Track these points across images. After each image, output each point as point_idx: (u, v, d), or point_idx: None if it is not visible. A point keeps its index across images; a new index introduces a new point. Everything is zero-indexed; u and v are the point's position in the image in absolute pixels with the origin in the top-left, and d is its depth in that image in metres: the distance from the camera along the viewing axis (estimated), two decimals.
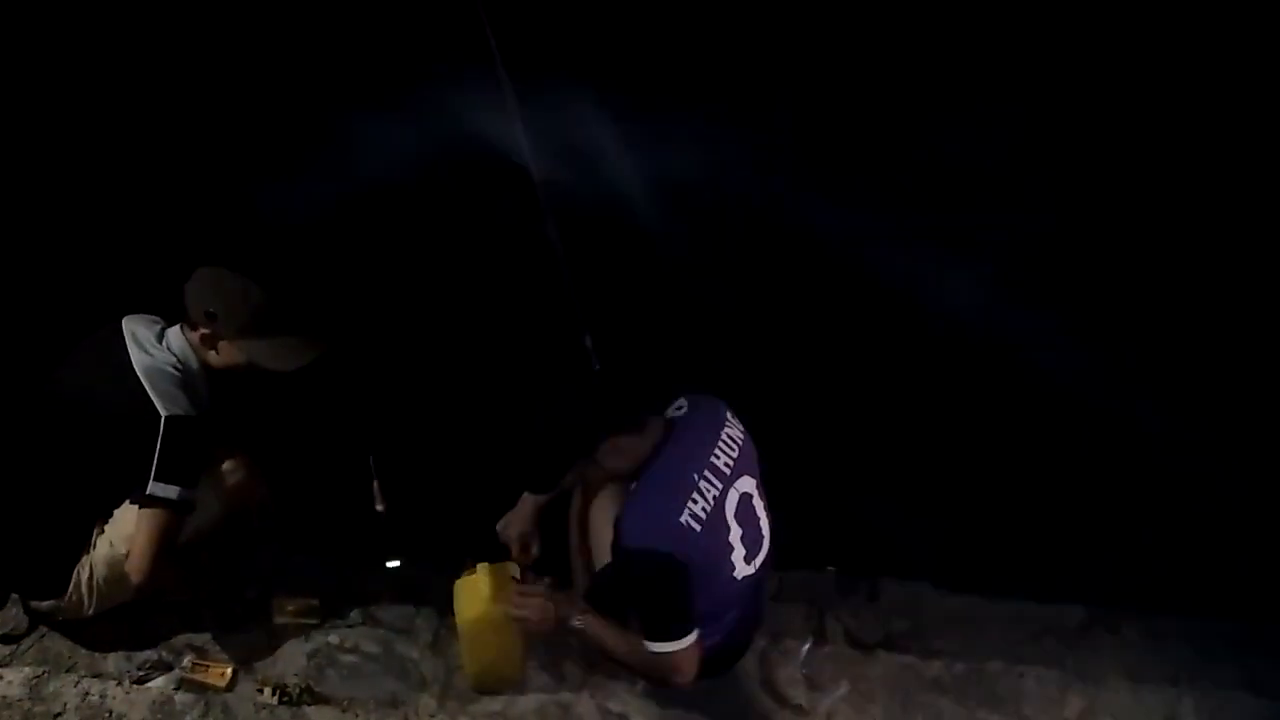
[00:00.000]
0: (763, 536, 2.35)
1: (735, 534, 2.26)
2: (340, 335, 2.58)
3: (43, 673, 2.00)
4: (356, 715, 2.10)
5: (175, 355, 2.32)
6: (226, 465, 2.46)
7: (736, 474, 2.27)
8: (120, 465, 2.22)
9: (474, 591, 2.40)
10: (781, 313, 3.79)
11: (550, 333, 3.39)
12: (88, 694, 1.96)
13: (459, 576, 2.45)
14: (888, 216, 3.78)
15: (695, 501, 2.18)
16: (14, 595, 2.38)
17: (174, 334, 2.36)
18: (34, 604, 2.33)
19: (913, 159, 3.86)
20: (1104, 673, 2.78)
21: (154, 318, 2.40)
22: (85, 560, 2.26)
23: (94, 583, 2.27)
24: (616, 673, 2.55)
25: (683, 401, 2.34)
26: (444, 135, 3.68)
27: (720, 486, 2.23)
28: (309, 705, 2.21)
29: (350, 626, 2.61)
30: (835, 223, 3.72)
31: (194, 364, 2.35)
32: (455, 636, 2.49)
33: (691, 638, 2.22)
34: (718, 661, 2.47)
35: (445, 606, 2.54)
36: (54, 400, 2.31)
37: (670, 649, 2.22)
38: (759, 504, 2.35)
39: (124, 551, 2.23)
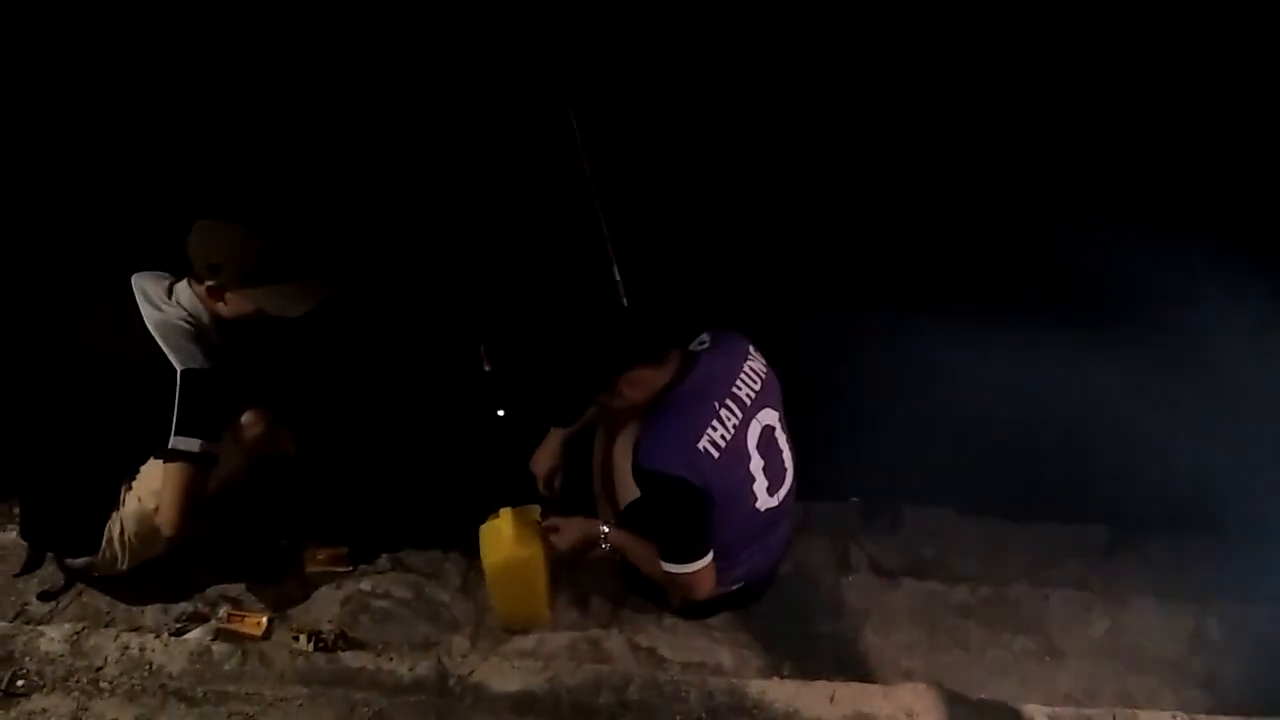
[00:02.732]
0: (785, 469, 2.36)
1: (756, 464, 2.27)
2: (348, 276, 2.58)
3: (82, 628, 2.04)
4: (391, 658, 2.13)
5: (185, 309, 2.31)
6: (246, 417, 2.46)
7: (758, 406, 2.28)
8: (142, 422, 2.23)
9: (500, 535, 2.43)
10: (800, 240, 3.76)
11: (577, 267, 3.37)
12: (127, 647, 2.01)
13: (484, 521, 2.48)
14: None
15: (715, 429, 2.19)
16: (50, 554, 2.43)
17: (182, 288, 2.35)
18: (69, 562, 2.37)
19: None
20: (1129, 592, 2.79)
21: (162, 274, 2.39)
22: (115, 517, 2.30)
23: (125, 538, 2.31)
24: (644, 607, 2.59)
25: (705, 336, 2.34)
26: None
27: (741, 417, 2.24)
28: (344, 650, 2.24)
29: (380, 573, 2.65)
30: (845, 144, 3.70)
31: (204, 317, 2.34)
32: (483, 579, 2.53)
33: (705, 560, 2.26)
34: (743, 592, 2.50)
35: (472, 550, 2.58)
36: (72, 360, 2.31)
37: (684, 570, 2.26)
38: (781, 436, 2.36)
39: (152, 507, 2.26)
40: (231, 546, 2.55)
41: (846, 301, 3.58)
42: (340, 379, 3.26)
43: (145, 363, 2.22)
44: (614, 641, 2.52)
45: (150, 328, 2.25)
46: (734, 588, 2.45)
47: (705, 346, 2.32)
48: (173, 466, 2.22)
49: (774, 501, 2.33)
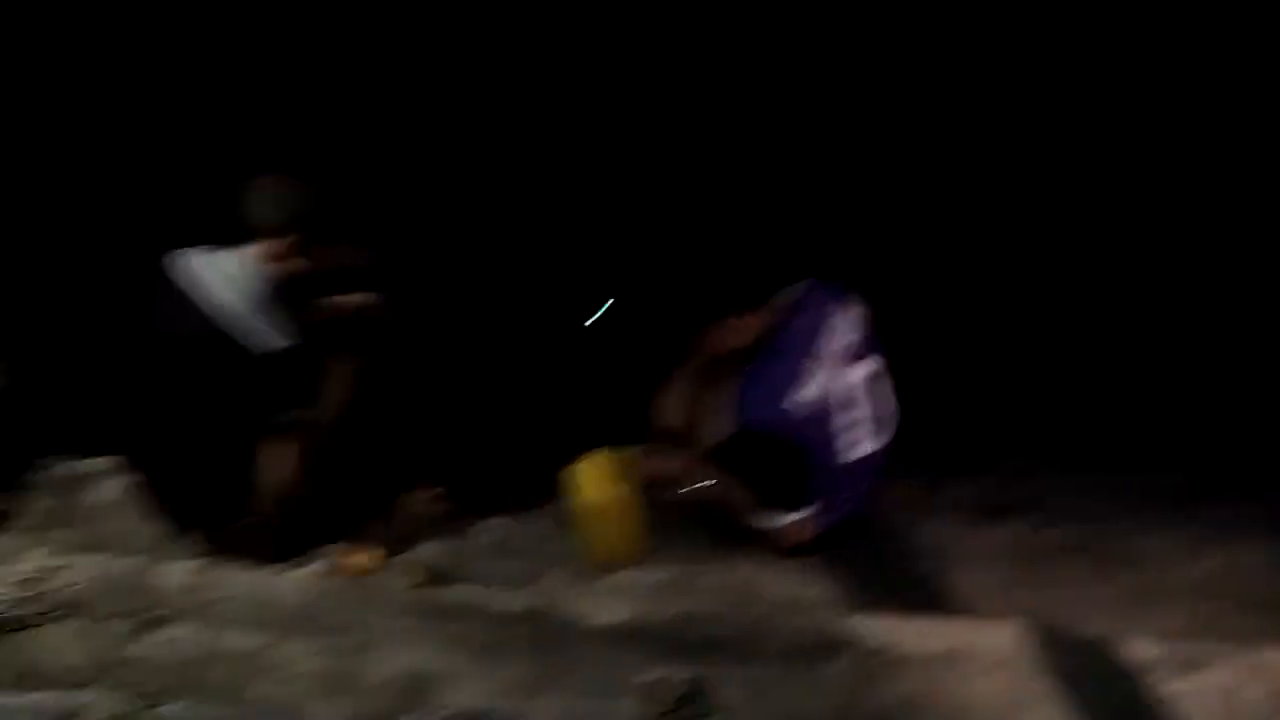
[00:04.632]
0: (882, 416, 2.35)
1: (856, 413, 2.27)
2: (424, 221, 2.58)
3: (207, 564, 2.17)
4: (493, 592, 2.21)
5: (258, 280, 2.29)
6: (331, 367, 2.52)
7: (858, 354, 2.27)
8: (247, 394, 2.29)
9: (591, 475, 2.50)
10: (905, 193, 3.71)
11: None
12: (251, 581, 2.12)
13: (576, 461, 2.54)
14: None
15: (814, 378, 2.19)
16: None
17: (245, 259, 2.31)
18: (212, 532, 2.47)
19: None
20: (1238, 531, 2.72)
21: (205, 247, 2.36)
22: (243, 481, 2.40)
23: (258, 501, 2.43)
24: (735, 545, 2.62)
25: (802, 285, 2.33)
26: None
27: (841, 365, 2.24)
28: (447, 585, 2.32)
29: (478, 512, 2.74)
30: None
31: (278, 281, 2.32)
32: (576, 518, 2.59)
33: (805, 513, 2.27)
34: (841, 532, 2.51)
35: (565, 490, 2.64)
36: (171, 357, 2.33)
37: (784, 521, 2.27)
38: (879, 384, 2.35)
39: (271, 473, 2.38)
40: (340, 489, 2.64)
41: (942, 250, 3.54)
42: (432, 321, 3.32)
43: (235, 343, 2.23)
44: (705, 579, 2.55)
45: (231, 308, 2.24)
46: (827, 529, 2.47)
47: (802, 295, 2.31)
48: (282, 438, 2.32)
49: (869, 448, 2.33)
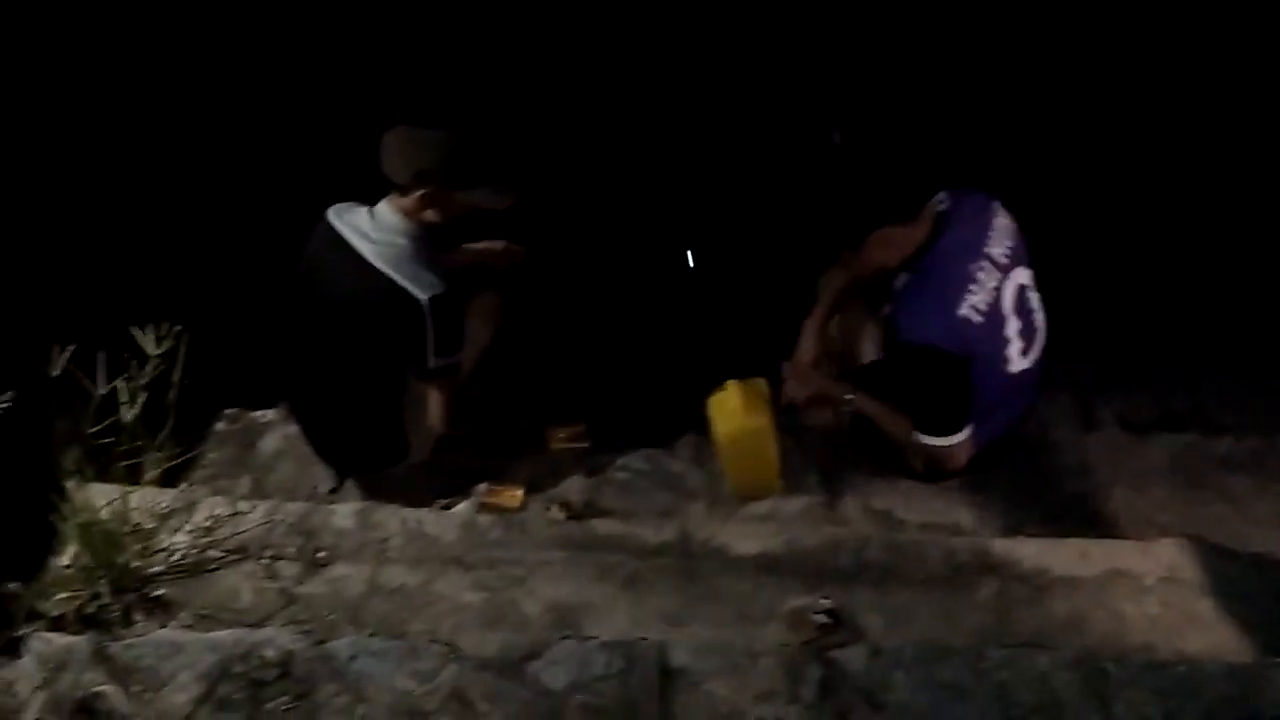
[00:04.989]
0: (1037, 329, 2.27)
1: (1012, 326, 2.20)
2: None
3: (367, 506, 2.29)
4: (637, 525, 2.26)
5: (399, 233, 2.32)
6: (477, 305, 2.58)
7: (1013, 264, 2.19)
8: (394, 346, 2.34)
9: (729, 406, 2.50)
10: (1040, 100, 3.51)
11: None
12: (405, 521, 2.23)
13: (713, 393, 2.54)
14: None
15: (974, 293, 2.12)
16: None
17: (385, 211, 2.34)
18: (370, 477, 2.60)
19: None
20: None
21: (348, 204, 2.40)
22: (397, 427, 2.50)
23: (417, 442, 2.53)
24: (877, 471, 2.60)
25: (944, 195, 2.24)
26: None
27: (998, 277, 2.16)
28: (594, 519, 2.39)
29: (618, 447, 2.78)
30: None
31: (418, 232, 2.34)
32: (715, 450, 2.61)
33: (965, 434, 2.22)
34: (990, 454, 2.45)
35: (703, 422, 2.66)
36: (322, 313, 2.39)
37: (942, 443, 2.23)
38: (1033, 295, 2.27)
39: (422, 417, 2.47)
40: (483, 430, 2.73)
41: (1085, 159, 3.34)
42: (569, 259, 3.36)
43: (384, 297, 2.26)
44: (848, 506, 2.55)
45: (378, 264, 2.27)
46: (980, 451, 2.41)
47: (947, 206, 2.22)
48: (435, 382, 2.40)
49: (1026, 363, 2.26)
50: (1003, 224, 2.21)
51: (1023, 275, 2.22)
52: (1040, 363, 2.32)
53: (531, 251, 2.84)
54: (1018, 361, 2.23)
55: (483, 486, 2.60)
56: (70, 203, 2.79)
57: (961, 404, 2.21)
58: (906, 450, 2.41)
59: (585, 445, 2.80)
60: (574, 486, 2.64)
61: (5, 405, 1.83)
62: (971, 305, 2.11)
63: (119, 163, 3.06)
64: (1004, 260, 2.17)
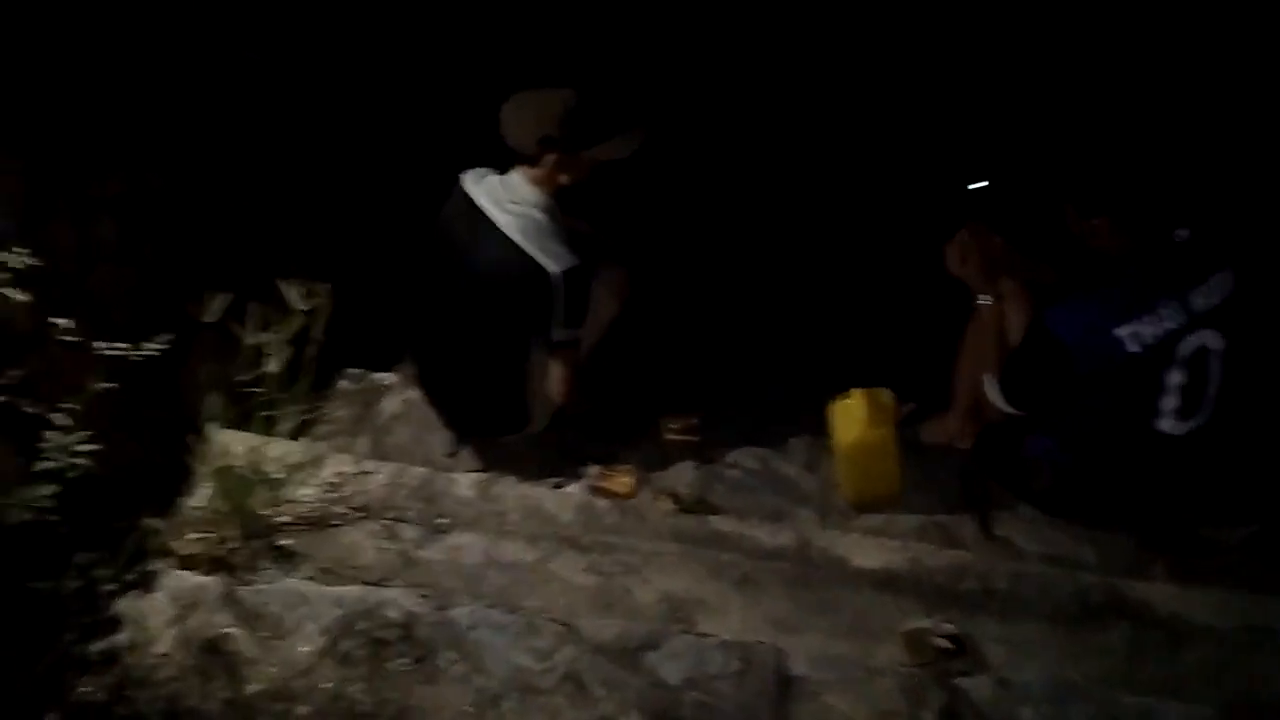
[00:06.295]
0: (1207, 399, 2.17)
1: (1175, 378, 2.10)
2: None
3: (488, 478, 2.30)
4: (752, 525, 2.23)
5: (532, 202, 2.31)
6: (604, 279, 2.54)
7: (1207, 322, 2.09)
8: (524, 315, 2.34)
9: (852, 414, 2.46)
10: None
11: None
12: (525, 496, 2.24)
13: (838, 399, 2.50)
14: None
15: (1146, 322, 2.04)
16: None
17: (516, 182, 2.33)
18: (491, 446, 2.60)
19: None
20: None
21: (482, 171, 2.39)
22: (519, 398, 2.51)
23: (537, 412, 2.54)
24: (997, 494, 2.52)
25: (1184, 231, 2.15)
26: None
27: (1183, 322, 2.06)
28: (708, 514, 2.36)
29: (730, 444, 2.75)
30: None
31: (550, 203, 2.33)
32: (831, 457, 2.57)
33: (1011, 409, 2.27)
34: (1117, 496, 2.37)
35: (817, 427, 2.62)
36: (453, 279, 2.39)
37: (996, 400, 2.31)
38: (1218, 364, 2.15)
39: (544, 390, 2.47)
40: (600, 410, 2.73)
41: None
42: (700, 247, 3.34)
43: (517, 268, 2.26)
44: (965, 528, 2.48)
45: (511, 234, 2.27)
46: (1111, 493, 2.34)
47: (1184, 239, 2.14)
48: (559, 353, 2.39)
49: (1181, 427, 2.15)
50: (1224, 282, 2.11)
51: (1216, 340, 2.12)
52: (1197, 437, 2.21)
53: (665, 234, 2.80)
54: (1171, 420, 2.13)
55: (594, 469, 2.59)
56: (237, 164, 2.84)
57: (1043, 390, 2.21)
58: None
59: (697, 439, 2.77)
60: (684, 479, 2.61)
61: (158, 349, 1.87)
62: (1134, 332, 2.03)
63: (282, 129, 3.10)
64: (1200, 310, 2.07)
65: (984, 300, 2.41)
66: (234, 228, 2.78)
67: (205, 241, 2.62)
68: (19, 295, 1.73)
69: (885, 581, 2.10)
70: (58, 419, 1.76)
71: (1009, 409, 2.29)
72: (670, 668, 1.76)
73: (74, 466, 1.73)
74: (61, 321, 1.82)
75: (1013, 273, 2.42)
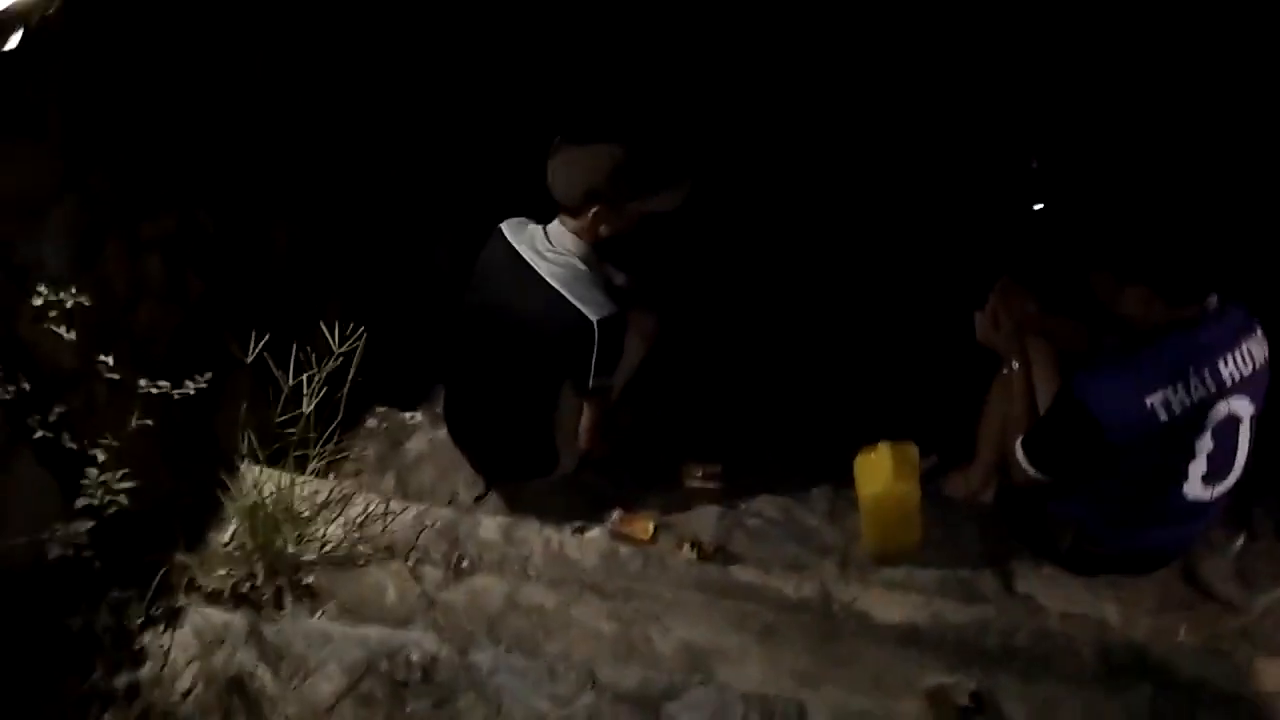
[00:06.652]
0: (1234, 466, 2.17)
1: (1204, 445, 2.10)
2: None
3: (511, 521, 2.32)
4: (774, 576, 2.23)
5: (574, 252, 2.34)
6: (633, 323, 2.51)
7: (1237, 390, 2.10)
8: (558, 362, 2.37)
9: (877, 467, 2.46)
10: None
11: None
12: (549, 541, 2.26)
13: (862, 452, 2.51)
14: None
15: (1177, 392, 2.04)
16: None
17: (558, 232, 2.35)
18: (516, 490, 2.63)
19: None
20: None
21: (523, 220, 2.43)
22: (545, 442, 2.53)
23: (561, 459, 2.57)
24: (1020, 552, 2.52)
25: (1214, 299, 2.16)
26: None
27: (1213, 391, 2.07)
28: (730, 564, 2.37)
29: (752, 493, 2.76)
30: None
31: (590, 253, 2.36)
32: (853, 508, 2.57)
33: (1039, 476, 2.25)
34: (1138, 561, 2.36)
35: (839, 478, 2.62)
36: (490, 324, 2.43)
37: (1023, 464, 2.28)
38: (1245, 432, 2.16)
39: (573, 434, 2.50)
40: (625, 454, 2.74)
41: None
42: (724, 299, 3.37)
43: (555, 316, 2.28)
44: (987, 583, 2.47)
45: (553, 283, 2.29)
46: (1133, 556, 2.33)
47: (1215, 307, 2.15)
48: (592, 401, 2.42)
49: (1206, 495, 2.16)
50: (1253, 351, 2.12)
51: (1243, 407, 2.12)
52: (1221, 501, 2.22)
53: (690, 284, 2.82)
54: (1197, 486, 2.13)
55: (616, 514, 2.60)
56: (279, 203, 2.90)
57: (1070, 460, 2.21)
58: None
59: (719, 486, 2.78)
60: (705, 526, 2.62)
61: (200, 386, 1.91)
62: (1165, 401, 2.03)
63: (326, 169, 3.17)
64: (1231, 381, 2.08)
65: (1013, 368, 2.40)
66: (275, 267, 2.84)
67: (247, 281, 2.67)
68: (67, 334, 1.76)
69: (907, 636, 2.09)
70: (98, 455, 1.80)
71: (1036, 475, 2.27)
72: (690, 718, 1.76)
73: (112, 503, 1.76)
74: (106, 359, 1.86)
75: (1043, 336, 2.43)
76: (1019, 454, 2.29)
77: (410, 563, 2.15)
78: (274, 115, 2.81)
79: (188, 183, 2.44)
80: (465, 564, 2.17)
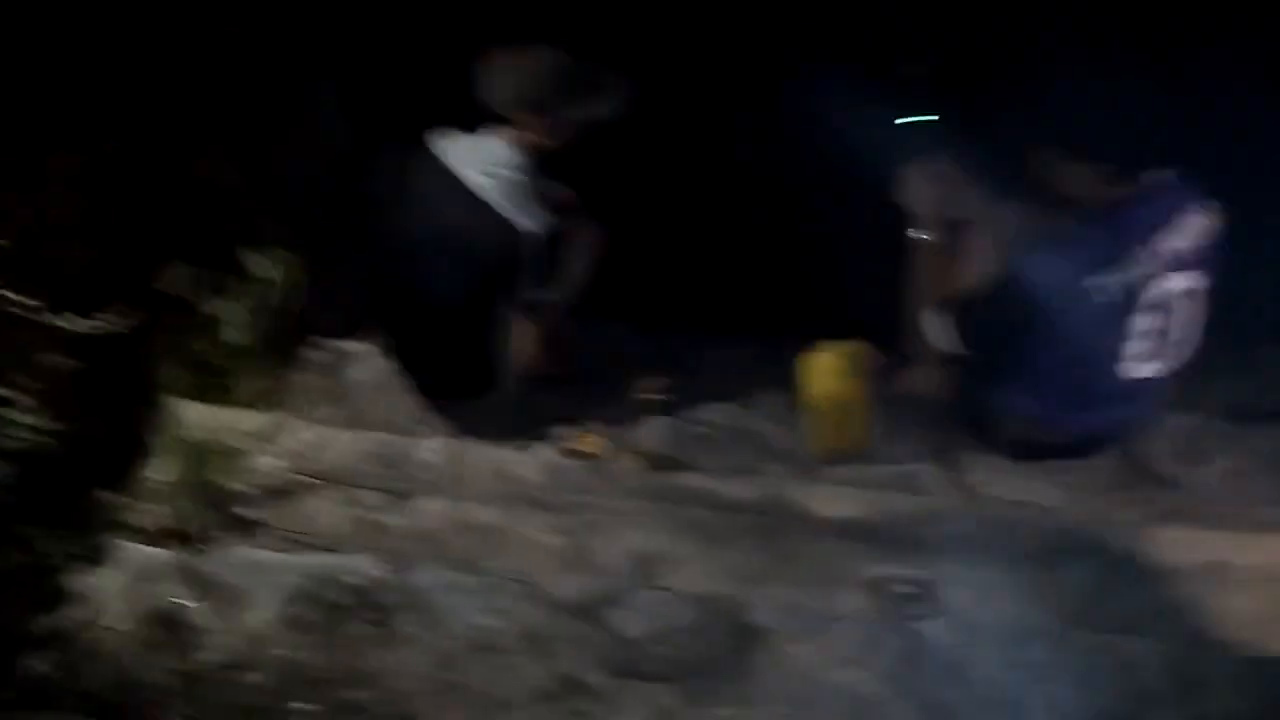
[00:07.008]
0: (1175, 342, 2.15)
1: (1142, 323, 2.08)
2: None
3: (452, 441, 2.30)
4: (721, 480, 2.23)
5: (508, 166, 2.28)
6: (577, 240, 2.48)
7: (1179, 265, 2.06)
8: (495, 276, 2.31)
9: (823, 368, 2.45)
10: None
11: None
12: (492, 459, 2.24)
13: (809, 353, 2.49)
14: None
15: (1115, 270, 2.02)
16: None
17: (493, 143, 2.29)
18: (459, 410, 2.55)
19: None
20: None
21: (451, 131, 2.34)
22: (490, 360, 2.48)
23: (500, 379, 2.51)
24: (966, 445, 2.53)
25: (1155, 174, 2.10)
26: None
27: (1152, 268, 2.05)
28: (677, 472, 2.36)
29: (700, 401, 2.75)
30: None
31: (525, 164, 2.30)
32: (799, 410, 2.56)
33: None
34: (1081, 445, 2.37)
35: (786, 382, 2.61)
36: (424, 240, 2.35)
37: (931, 341, 2.29)
38: (1188, 310, 2.12)
39: (515, 352, 2.45)
40: (570, 372, 2.72)
41: None
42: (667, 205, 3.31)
43: (491, 229, 2.23)
44: (935, 477, 2.48)
45: (487, 197, 2.23)
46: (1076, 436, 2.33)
47: (1160, 183, 2.09)
48: (530, 315, 2.37)
49: (1147, 371, 2.15)
50: (1197, 223, 2.07)
51: (1185, 284, 2.09)
52: (1172, 374, 2.20)
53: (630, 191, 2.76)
54: (1136, 364, 2.12)
55: (564, 430, 2.59)
56: (198, 131, 2.79)
57: (1055, 382, 2.18)
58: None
59: (667, 397, 2.77)
60: (655, 437, 2.61)
61: (119, 323, 1.86)
62: (1103, 282, 2.01)
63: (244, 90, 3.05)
64: (1171, 254, 2.05)
65: (926, 235, 2.37)
66: (199, 198, 2.75)
67: (170, 213, 2.59)
68: None
69: (850, 531, 2.10)
70: (17, 397, 1.75)
71: (948, 349, 2.25)
72: (632, 623, 1.77)
73: (34, 444, 1.73)
74: (19, 298, 1.80)
75: (969, 210, 2.39)
76: (931, 326, 2.28)
77: (348, 489, 2.13)
78: (189, 38, 2.71)
79: (95, 116, 2.36)
80: (405, 487, 2.15)
